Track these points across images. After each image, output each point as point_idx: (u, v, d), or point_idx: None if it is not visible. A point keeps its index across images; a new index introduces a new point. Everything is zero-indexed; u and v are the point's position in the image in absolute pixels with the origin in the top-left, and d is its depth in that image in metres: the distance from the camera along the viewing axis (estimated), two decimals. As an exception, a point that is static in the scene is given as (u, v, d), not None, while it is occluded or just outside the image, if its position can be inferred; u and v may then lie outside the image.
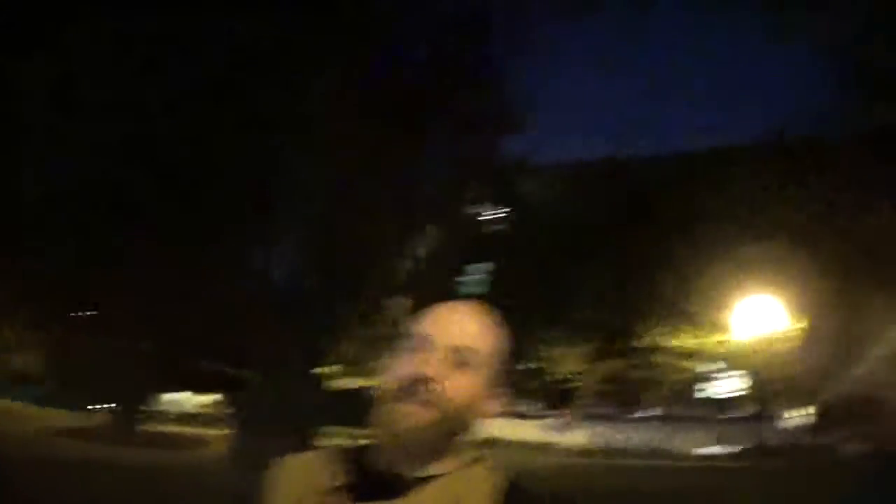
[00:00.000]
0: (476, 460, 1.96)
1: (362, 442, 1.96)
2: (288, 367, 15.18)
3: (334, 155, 14.95)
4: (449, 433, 1.89)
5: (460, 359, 1.90)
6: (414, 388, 1.86)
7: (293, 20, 14.39)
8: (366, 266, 16.41)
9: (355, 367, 23.20)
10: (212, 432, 26.16)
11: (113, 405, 29.71)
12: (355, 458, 1.93)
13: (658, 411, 36.35)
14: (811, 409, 31.72)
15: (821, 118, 29.31)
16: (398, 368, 1.90)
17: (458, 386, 1.89)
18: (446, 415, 1.87)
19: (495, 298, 31.70)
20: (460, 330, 1.93)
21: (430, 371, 1.86)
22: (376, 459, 1.90)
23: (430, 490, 1.85)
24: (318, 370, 18.68)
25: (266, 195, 15.11)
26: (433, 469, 1.88)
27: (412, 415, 1.84)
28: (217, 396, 32.27)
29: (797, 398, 33.62)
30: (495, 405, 2.02)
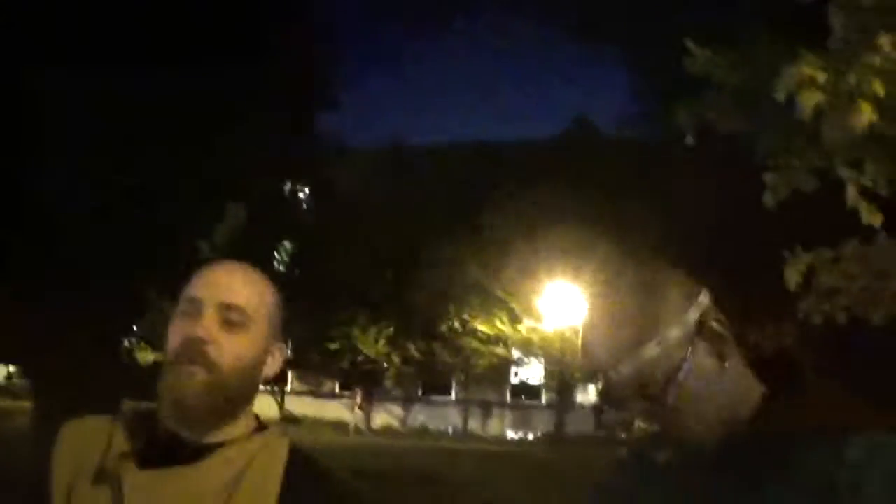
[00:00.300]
0: (263, 427, 1.95)
1: (150, 407, 1.92)
2: (88, 337, 14.77)
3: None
4: (230, 395, 1.87)
5: (230, 317, 1.86)
6: (188, 351, 1.83)
7: None
8: (167, 242, 16.06)
9: (158, 341, 22.74)
10: (17, 404, 25.21)
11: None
12: (144, 424, 1.88)
13: (464, 395, 36.88)
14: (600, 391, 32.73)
15: (626, 119, 30.42)
16: (173, 333, 1.86)
17: (231, 345, 1.86)
18: (222, 376, 1.84)
19: (298, 278, 31.66)
20: (228, 288, 1.89)
21: (201, 332, 1.83)
22: (163, 426, 1.86)
23: (217, 456, 1.84)
24: (119, 343, 18.23)
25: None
26: (219, 435, 1.87)
27: (188, 378, 1.81)
28: (16, 366, 31.18)
29: (592, 384, 34.72)
30: (274, 365, 1.98)
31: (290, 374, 38.07)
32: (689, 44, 7.26)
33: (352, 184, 31.54)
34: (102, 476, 1.83)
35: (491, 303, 31.95)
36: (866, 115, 5.11)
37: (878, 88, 5.16)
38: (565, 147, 31.95)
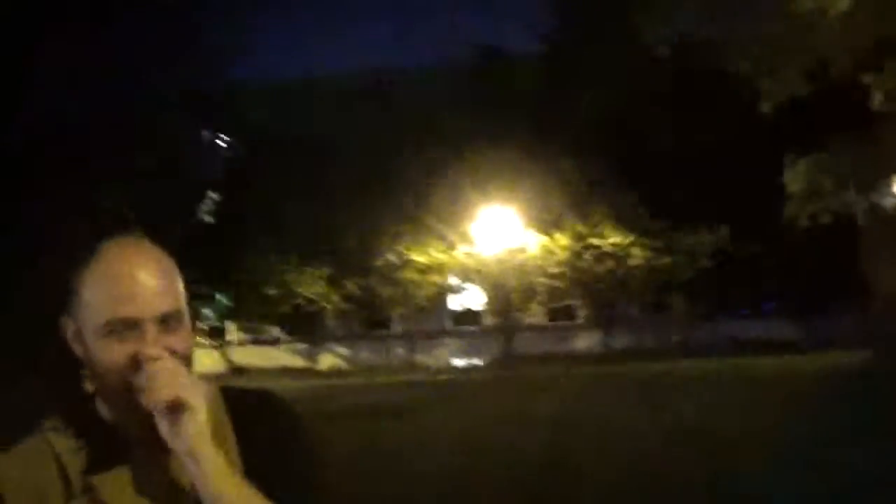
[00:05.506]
0: None
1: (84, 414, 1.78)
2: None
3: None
4: None
5: (170, 321, 1.70)
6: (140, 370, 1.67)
7: None
8: (82, 196, 15.65)
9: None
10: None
11: None
12: (87, 432, 1.74)
13: (406, 327, 36.82)
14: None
15: (544, 36, 30.26)
16: (110, 356, 1.69)
17: (180, 343, 1.71)
18: None
19: (227, 227, 31.27)
20: (160, 295, 1.72)
21: (154, 353, 1.67)
22: (107, 424, 1.75)
23: None
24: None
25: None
26: None
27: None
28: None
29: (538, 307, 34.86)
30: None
31: (228, 325, 37.79)
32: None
33: (269, 123, 31.02)
34: (74, 495, 1.71)
35: (425, 232, 31.80)
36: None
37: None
38: (481, 69, 31.67)
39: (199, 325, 35.75)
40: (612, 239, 30.55)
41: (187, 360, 1.73)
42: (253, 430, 1.81)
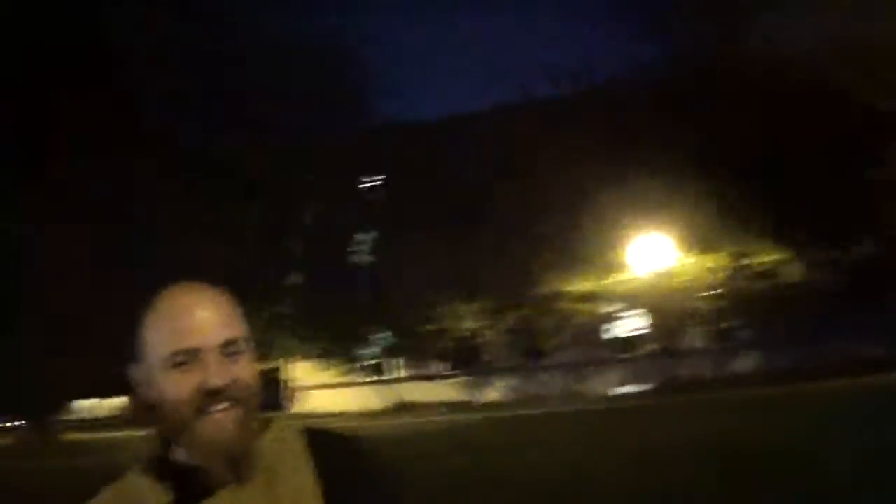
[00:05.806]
0: (268, 421, 1.96)
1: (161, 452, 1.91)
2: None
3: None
4: (256, 414, 1.88)
5: (231, 351, 1.85)
6: (213, 400, 1.81)
7: None
8: (251, 247, 16.17)
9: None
10: (128, 434, 25.50)
11: (24, 418, 29.31)
12: (168, 468, 1.89)
13: (565, 357, 36.74)
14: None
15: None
16: (177, 387, 1.82)
17: (243, 372, 1.85)
18: (250, 404, 1.85)
19: (385, 266, 31.81)
20: (218, 325, 1.86)
21: (219, 382, 1.81)
22: (188, 465, 1.87)
23: (246, 469, 1.86)
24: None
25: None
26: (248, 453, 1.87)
27: (227, 425, 1.83)
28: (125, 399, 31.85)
29: (699, 330, 34.41)
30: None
31: (390, 362, 38.36)
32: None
33: (417, 161, 31.35)
34: None
35: (579, 261, 31.79)
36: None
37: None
38: (622, 97, 31.42)
39: (361, 363, 36.61)
40: (768, 257, 30.04)
41: (254, 388, 1.87)
42: (335, 470, 1.91)
